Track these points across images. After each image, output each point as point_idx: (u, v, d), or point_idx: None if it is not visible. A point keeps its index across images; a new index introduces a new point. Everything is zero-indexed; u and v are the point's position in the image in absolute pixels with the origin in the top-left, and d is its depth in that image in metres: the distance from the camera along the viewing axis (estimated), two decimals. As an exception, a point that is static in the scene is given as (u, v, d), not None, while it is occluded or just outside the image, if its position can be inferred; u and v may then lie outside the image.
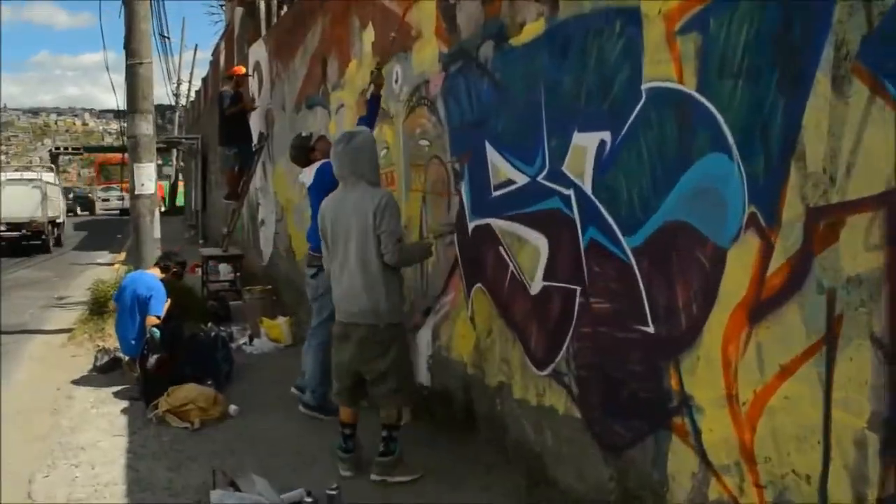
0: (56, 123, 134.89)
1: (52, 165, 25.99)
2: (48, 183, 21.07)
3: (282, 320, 8.02)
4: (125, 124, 9.37)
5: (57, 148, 36.02)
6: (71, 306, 10.63)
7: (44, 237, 19.96)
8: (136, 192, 9.13)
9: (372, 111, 5.80)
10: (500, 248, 4.53)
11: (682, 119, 3.12)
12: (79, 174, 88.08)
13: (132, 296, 6.64)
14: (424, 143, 5.54)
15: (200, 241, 19.80)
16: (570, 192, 3.85)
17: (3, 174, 20.77)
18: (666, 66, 3.18)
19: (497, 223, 4.56)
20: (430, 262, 5.44)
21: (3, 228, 19.18)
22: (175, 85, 32.39)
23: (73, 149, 36.48)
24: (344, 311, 4.51)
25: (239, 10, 14.02)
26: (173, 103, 33.86)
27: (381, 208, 4.34)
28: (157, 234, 9.21)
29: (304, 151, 5.87)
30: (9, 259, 17.63)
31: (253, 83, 11.70)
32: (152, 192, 9.19)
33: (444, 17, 5.12)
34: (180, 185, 34.64)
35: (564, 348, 3.97)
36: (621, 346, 3.56)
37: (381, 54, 6.35)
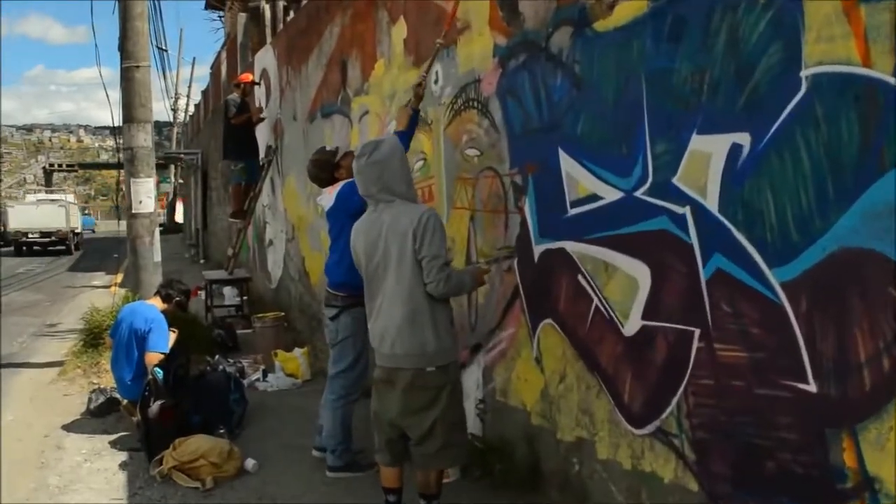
0: (50, 140, 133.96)
1: (72, 190, 27.83)
2: (70, 203, 29.74)
3: (298, 352, 7.20)
4: (122, 140, 8.53)
5: (51, 165, 35.41)
6: (63, 335, 9.79)
7: (66, 243, 27.28)
8: (133, 211, 8.31)
9: (411, 128, 4.91)
10: (580, 278, 3.75)
11: (868, 114, 2.35)
12: (74, 192, 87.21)
13: (129, 330, 5.78)
14: (473, 152, 4.75)
15: (201, 262, 19.01)
16: (685, 210, 3.06)
17: (35, 196, 30.11)
18: (842, 44, 2.41)
19: (575, 247, 3.78)
20: (482, 292, 4.65)
21: (37, 236, 26.91)
22: (173, 100, 31.63)
23: (68, 166, 35.98)
24: (385, 354, 3.70)
25: (242, 17, 13.29)
26: (171, 119, 33.07)
27: (422, 227, 3.57)
28: (158, 257, 8.37)
29: (327, 168, 4.94)
30: (42, 258, 24.62)
31: (259, 92, 10.93)
32: (151, 210, 8.37)
33: (502, 5, 4.35)
34: (179, 202, 33.82)
35: (674, 404, 3.18)
36: (765, 405, 2.77)
37: (417, 52, 5.58)
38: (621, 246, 3.44)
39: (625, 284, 3.43)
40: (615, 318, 3.51)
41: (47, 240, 27.06)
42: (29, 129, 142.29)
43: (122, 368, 5.77)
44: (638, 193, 3.31)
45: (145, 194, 8.24)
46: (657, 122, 3.19)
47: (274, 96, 10.37)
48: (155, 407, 4.96)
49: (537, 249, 4.11)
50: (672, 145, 3.12)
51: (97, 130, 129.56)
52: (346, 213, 4.63)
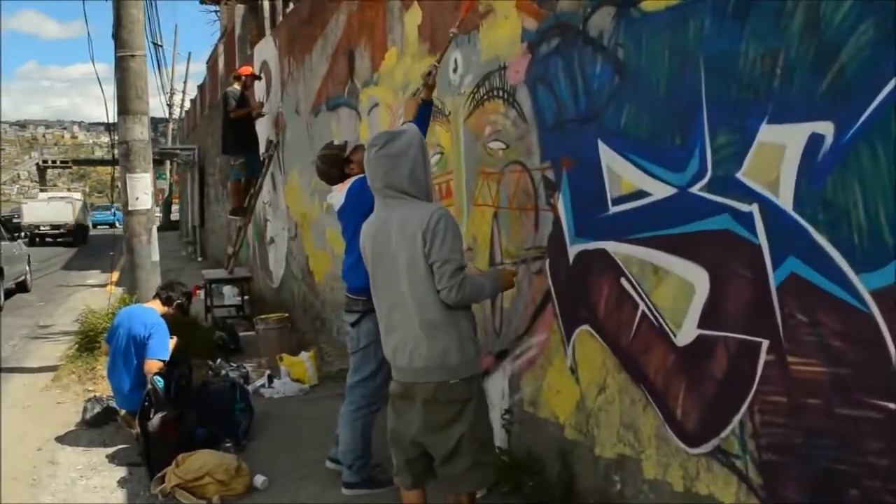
0: (44, 136, 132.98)
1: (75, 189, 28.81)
2: (77, 200, 33.66)
3: (305, 356, 6.87)
4: (116, 134, 8.17)
5: (44, 161, 35.09)
6: (56, 337, 9.42)
7: (73, 235, 30.54)
8: (129, 208, 7.95)
9: (422, 120, 4.36)
10: (624, 281, 3.43)
11: None
12: (68, 189, 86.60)
13: (126, 336, 5.40)
14: (498, 145, 4.43)
15: (199, 259, 18.66)
16: (753, 208, 2.75)
17: (47, 195, 33.88)
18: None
19: (618, 248, 3.46)
20: (507, 295, 4.33)
21: (48, 229, 30.69)
22: (168, 95, 31.16)
23: (62, 162, 35.72)
24: (402, 367, 3.31)
25: (240, 9, 12.93)
26: (167, 115, 32.60)
27: (431, 229, 3.15)
28: (156, 255, 8.01)
29: (336, 164, 4.57)
30: (53, 248, 27.79)
31: (260, 85, 10.58)
32: (149, 206, 8.01)
33: (531, -16, 4.03)
34: (175, 199, 33.41)
35: (736, 421, 2.87)
36: (849, 427, 2.46)
37: (433, 40, 5.26)
38: (674, 247, 3.12)
39: (678, 289, 3.11)
40: (666, 327, 3.19)
41: (56, 232, 30.87)
42: (22, 125, 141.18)
43: (120, 377, 5.40)
44: (694, 189, 3.00)
45: (142, 190, 7.89)
46: (718, 110, 2.87)
47: (275, 89, 10.04)
48: (156, 420, 4.63)
49: (573, 250, 3.79)
50: (736, 136, 2.80)
51: (91, 126, 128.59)
52: (358, 211, 4.29)
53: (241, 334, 8.58)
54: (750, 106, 2.74)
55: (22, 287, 14.82)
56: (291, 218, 9.59)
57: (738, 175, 2.80)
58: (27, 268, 15.39)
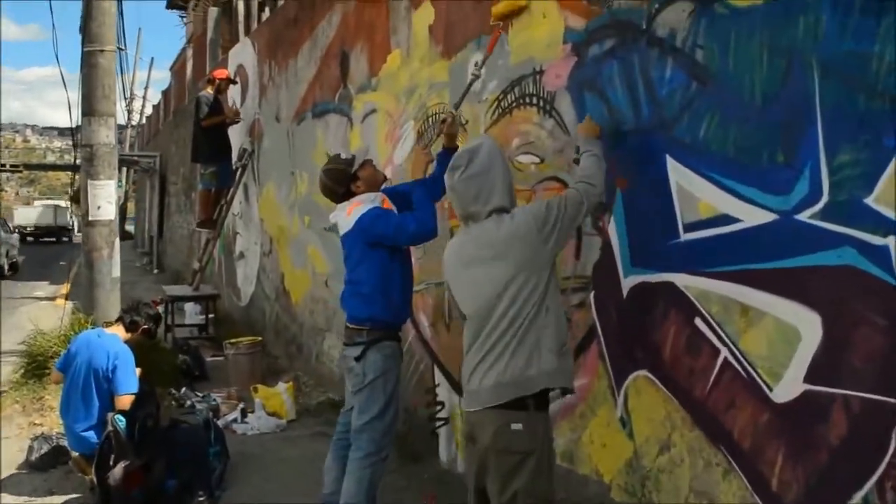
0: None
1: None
2: (59, 206, 39.57)
3: (282, 387, 6.24)
4: (80, 136, 7.46)
5: (-6, 164, 33.95)
6: (-3, 359, 8.62)
7: (54, 235, 37.30)
8: (90, 218, 7.24)
9: (441, 171, 3.80)
10: (699, 322, 2.92)
11: None
12: (17, 193, 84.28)
13: (86, 368, 4.63)
14: (530, 159, 3.92)
15: (155, 272, 17.82)
16: (889, 241, 2.26)
17: (39, 202, 42.22)
18: None
19: (692, 282, 2.95)
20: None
21: (33, 229, 36.75)
22: (128, 101, 30.11)
23: (12, 166, 34.56)
24: (476, 392, 2.91)
25: (213, 11, 12.30)
26: (126, 121, 31.54)
27: (525, 220, 2.90)
28: (117, 271, 7.27)
29: (343, 181, 4.06)
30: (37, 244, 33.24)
31: (234, 91, 9.95)
32: (112, 217, 7.30)
33: (579, -22, 3.53)
34: (130, 207, 32.32)
35: (859, 498, 2.36)
36: None
37: (448, 41, 4.73)
38: (772, 284, 2.62)
39: (777, 335, 2.61)
40: (758, 378, 2.68)
41: (40, 232, 36.99)
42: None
43: (76, 415, 4.62)
44: (803, 216, 2.50)
45: (105, 199, 7.18)
46: (839, 122, 2.39)
47: (252, 94, 9.43)
48: (118, 470, 3.96)
49: (627, 282, 3.28)
50: (865, 154, 2.31)
51: (45, 131, 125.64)
52: (367, 241, 3.91)
53: (208, 359, 7.90)
54: (884, 118, 2.26)
55: (13, 267, 19.91)
56: (265, 232, 8.96)
57: (868, 201, 2.31)
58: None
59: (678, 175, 2.99)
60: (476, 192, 2.95)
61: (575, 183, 3.07)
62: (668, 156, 3.03)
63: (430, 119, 4.99)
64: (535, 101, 3.89)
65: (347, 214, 4.01)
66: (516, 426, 2.78)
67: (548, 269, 2.90)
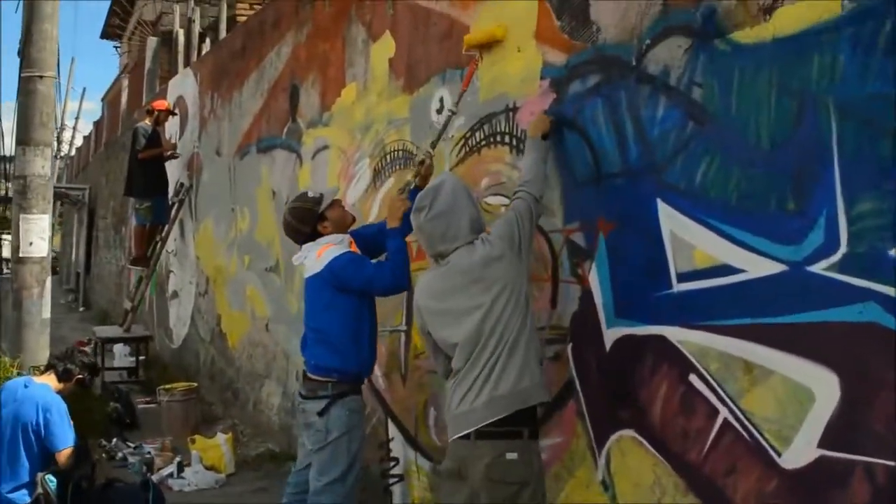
0: None
1: None
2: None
3: (221, 439, 5.83)
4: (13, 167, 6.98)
5: None
6: None
7: None
8: (21, 254, 6.72)
9: (407, 224, 3.68)
10: (695, 379, 2.71)
11: None
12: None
13: (13, 422, 4.17)
14: (500, 200, 3.70)
15: (81, 309, 17.03)
16: (918, 296, 2.08)
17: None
18: None
19: (686, 336, 2.74)
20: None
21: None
22: (58, 130, 29.13)
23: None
24: (466, 413, 2.85)
25: (153, 41, 11.91)
26: (54, 152, 30.49)
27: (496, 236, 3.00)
28: (47, 312, 6.78)
29: (309, 220, 3.83)
30: None
31: (172, 123, 9.55)
32: (44, 254, 6.80)
33: (560, 11, 3.35)
34: (55, 240, 31.17)
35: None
36: None
37: (410, 74, 4.51)
38: (781, 340, 2.41)
39: (785, 394, 2.40)
40: (764, 441, 2.47)
41: None
42: None
43: (1, 475, 4.13)
44: (817, 268, 2.31)
45: (38, 234, 6.69)
46: (859, 169, 2.22)
47: (191, 127, 9.05)
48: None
49: (611, 334, 3.05)
50: (888, 203, 2.14)
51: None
52: (335, 286, 3.68)
53: (140, 406, 7.40)
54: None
55: None
56: (202, 271, 8.55)
57: (893, 252, 2.13)
58: None
59: (671, 221, 2.80)
60: (443, 231, 2.97)
61: (516, 193, 3.08)
62: (659, 200, 2.84)
63: (389, 156, 4.75)
64: (507, 139, 3.68)
65: (318, 256, 3.76)
66: (511, 455, 2.76)
67: (525, 281, 2.97)
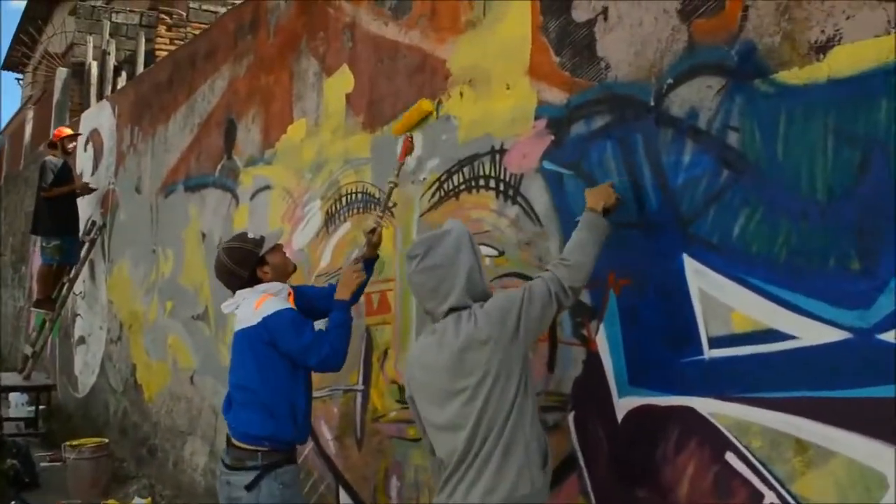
0: None
1: None
2: None
3: (139, 503, 5.21)
4: None
5: None
6: None
7: None
8: None
9: (357, 295, 3.54)
10: (732, 457, 2.40)
11: None
12: None
13: None
14: (486, 251, 3.34)
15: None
16: None
17: None
18: None
19: (721, 408, 2.44)
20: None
21: None
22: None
23: None
24: None
25: (63, 72, 11.20)
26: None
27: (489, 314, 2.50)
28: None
29: (248, 263, 3.40)
30: None
31: (83, 158, 8.89)
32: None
33: (559, 46, 3.07)
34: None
35: None
36: None
37: (371, 111, 4.16)
38: (844, 416, 2.13)
39: (849, 479, 2.11)
40: (819, 531, 2.17)
41: None
42: None
43: None
44: (890, 336, 2.05)
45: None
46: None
47: (107, 162, 8.42)
48: None
49: (623, 403, 2.73)
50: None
51: None
52: (273, 344, 3.26)
53: (41, 463, 6.66)
54: None
55: None
56: (114, 316, 7.87)
57: None
58: None
59: (700, 279, 2.50)
60: (433, 287, 2.56)
61: (546, 267, 2.61)
62: (685, 255, 2.55)
63: (345, 199, 4.36)
64: (492, 184, 3.35)
65: (256, 307, 3.31)
66: None
67: (520, 370, 2.49)
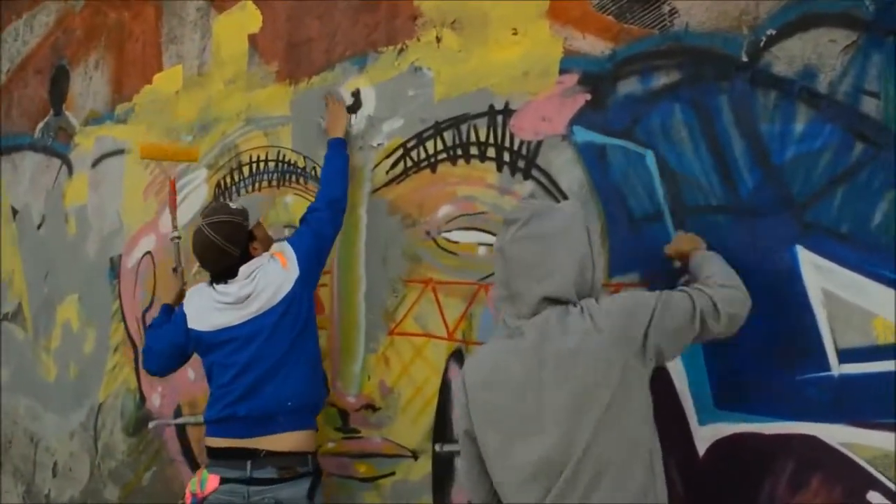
0: None
1: None
2: None
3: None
4: None
5: None
6: None
7: None
8: None
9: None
10: (876, 496, 1.96)
11: None
12: None
13: None
14: (478, 237, 2.71)
15: None
16: None
17: None
18: None
19: (857, 437, 1.99)
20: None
21: None
22: None
23: None
24: None
25: None
26: None
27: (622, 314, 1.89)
28: None
29: (241, 238, 2.79)
30: None
31: None
32: None
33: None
34: None
35: None
36: None
37: (296, 59, 3.34)
38: None
39: None
40: None
41: None
42: None
43: None
44: None
45: None
46: None
47: None
48: None
49: (706, 432, 2.21)
50: None
51: None
52: (313, 276, 2.89)
53: None
54: None
55: None
56: None
57: None
58: None
59: (823, 277, 2.03)
60: (533, 262, 1.91)
61: (697, 282, 2.00)
62: (799, 248, 2.06)
63: (247, 168, 3.52)
64: (491, 153, 2.70)
65: (284, 265, 2.76)
66: None
67: (639, 395, 1.89)
